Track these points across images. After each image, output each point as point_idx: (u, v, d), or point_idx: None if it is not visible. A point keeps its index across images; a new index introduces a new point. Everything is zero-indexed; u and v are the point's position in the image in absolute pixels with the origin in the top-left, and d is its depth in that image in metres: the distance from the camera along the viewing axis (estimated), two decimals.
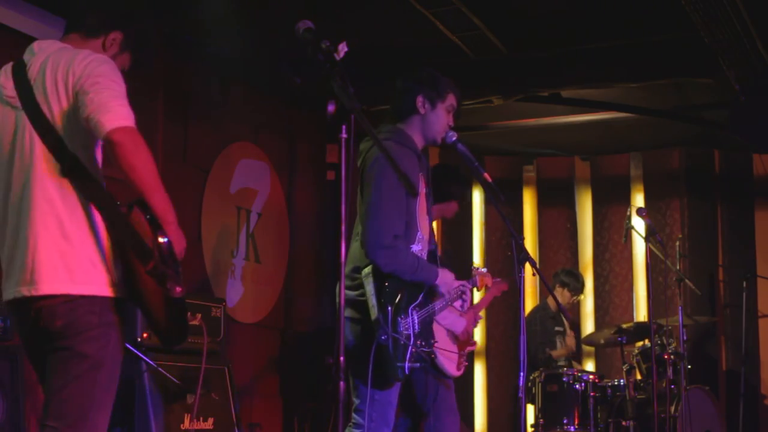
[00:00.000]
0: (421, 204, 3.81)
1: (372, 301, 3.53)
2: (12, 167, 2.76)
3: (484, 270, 4.86)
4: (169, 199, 2.70)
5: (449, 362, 4.73)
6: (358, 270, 3.66)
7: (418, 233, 3.76)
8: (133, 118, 2.69)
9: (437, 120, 3.85)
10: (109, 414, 2.76)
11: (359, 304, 3.61)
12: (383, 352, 3.48)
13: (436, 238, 8.75)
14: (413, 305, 3.67)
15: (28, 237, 2.70)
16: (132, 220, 2.68)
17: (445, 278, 3.84)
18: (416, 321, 3.66)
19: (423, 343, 3.68)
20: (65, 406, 2.68)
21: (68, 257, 2.68)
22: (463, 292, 4.15)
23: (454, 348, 4.83)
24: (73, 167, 2.70)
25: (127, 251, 2.71)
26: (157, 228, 2.65)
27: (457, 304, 4.13)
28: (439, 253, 4.32)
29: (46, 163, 2.71)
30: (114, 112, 2.65)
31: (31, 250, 2.69)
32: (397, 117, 3.90)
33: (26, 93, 2.76)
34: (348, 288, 3.68)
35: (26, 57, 2.84)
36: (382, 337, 3.46)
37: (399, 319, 3.59)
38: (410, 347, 3.60)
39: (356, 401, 3.60)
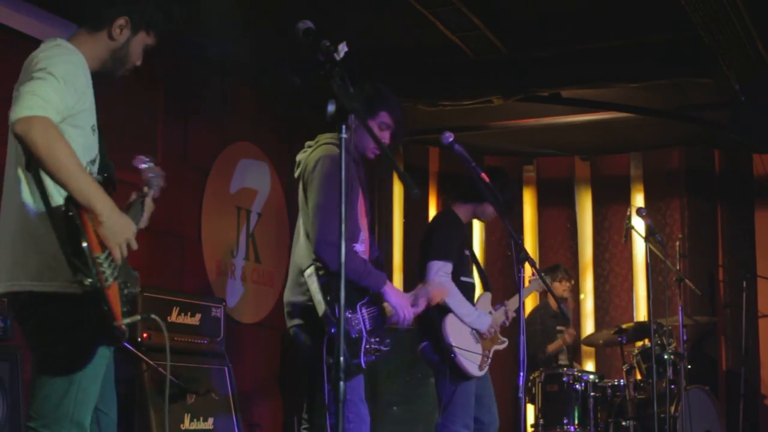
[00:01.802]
0: (361, 206, 3.84)
1: (318, 296, 3.57)
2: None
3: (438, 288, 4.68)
4: (90, 184, 2.59)
5: (470, 363, 4.74)
6: (299, 281, 3.72)
7: (361, 234, 3.80)
8: (43, 106, 2.54)
9: (364, 137, 3.85)
10: (90, 412, 2.75)
11: (308, 310, 3.65)
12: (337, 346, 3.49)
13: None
14: (361, 303, 3.71)
15: (2, 232, 2.73)
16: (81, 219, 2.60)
17: (396, 292, 3.82)
18: (366, 318, 3.69)
19: (377, 341, 3.70)
20: (42, 406, 2.68)
21: (32, 254, 2.67)
22: (416, 302, 4.11)
23: (478, 348, 4.85)
24: (29, 162, 2.66)
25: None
26: (74, 231, 2.57)
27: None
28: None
29: (17, 158, 2.71)
30: (19, 102, 2.54)
31: (2, 245, 2.72)
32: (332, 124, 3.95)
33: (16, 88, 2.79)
34: (299, 294, 3.72)
35: None
36: (332, 330, 3.48)
37: (347, 314, 3.62)
38: (363, 341, 3.63)
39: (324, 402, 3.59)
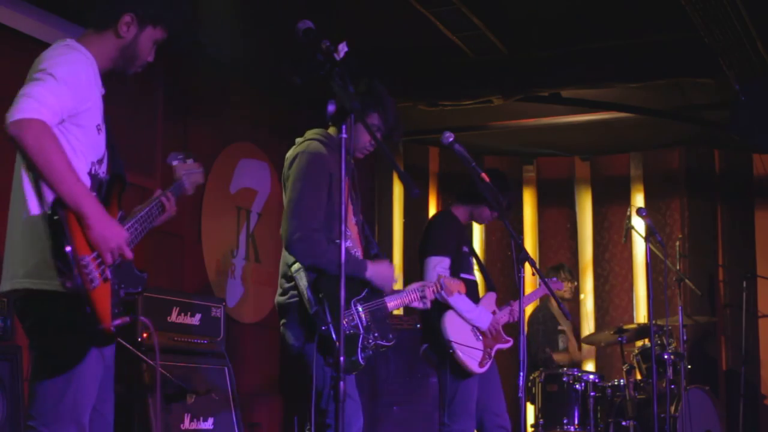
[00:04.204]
0: (347, 203, 3.77)
1: (307, 294, 3.50)
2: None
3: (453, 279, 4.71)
4: (79, 188, 2.60)
5: (470, 359, 4.75)
6: (286, 275, 3.65)
7: (346, 231, 3.69)
8: (41, 109, 2.56)
9: (356, 135, 3.73)
10: (88, 411, 2.75)
11: (291, 308, 3.60)
12: (328, 344, 3.42)
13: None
14: (355, 299, 3.63)
15: (6, 234, 2.74)
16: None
17: (379, 270, 3.73)
18: (361, 314, 3.63)
19: (378, 336, 3.64)
20: (39, 405, 2.69)
21: (30, 253, 2.68)
22: (423, 294, 4.06)
23: (478, 344, 4.85)
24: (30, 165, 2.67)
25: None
26: (57, 235, 2.58)
27: (418, 304, 4.04)
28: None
29: (22, 159, 2.71)
30: (16, 105, 2.56)
31: (5, 245, 2.73)
32: (329, 122, 3.88)
33: None
34: (281, 294, 3.68)
35: None
36: (323, 328, 3.41)
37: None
38: (360, 338, 3.57)
39: (316, 406, 3.52)
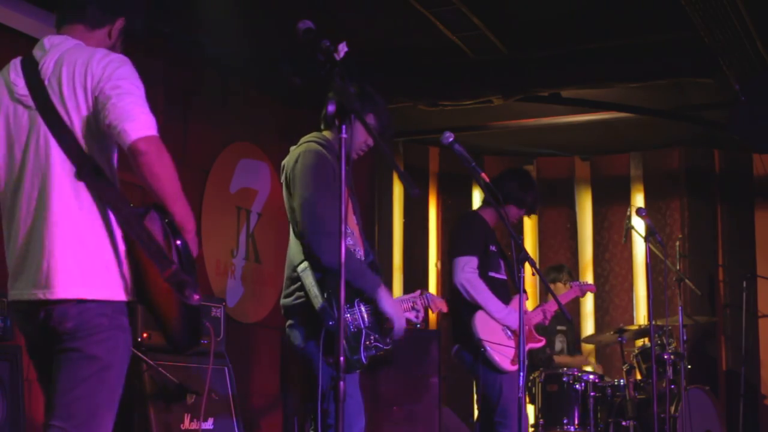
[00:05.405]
0: (347, 205, 3.76)
1: (314, 291, 3.49)
2: (24, 168, 2.71)
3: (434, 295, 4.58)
4: (189, 208, 2.69)
5: (501, 357, 4.77)
6: (291, 277, 3.64)
7: (347, 229, 3.68)
8: (156, 126, 2.64)
9: (350, 137, 3.78)
10: (114, 415, 2.75)
11: (296, 309, 3.60)
12: (335, 340, 3.38)
13: (436, 237, 8.76)
14: (359, 298, 3.62)
15: (44, 240, 2.65)
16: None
17: (391, 299, 3.70)
18: (365, 313, 3.62)
19: (377, 337, 3.63)
20: (74, 407, 2.66)
21: (83, 261, 2.65)
22: (415, 305, 4.04)
23: (510, 343, 4.86)
24: (89, 171, 2.65)
25: (139, 255, 2.68)
26: (175, 232, 2.64)
27: (410, 315, 4.03)
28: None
29: (63, 165, 2.67)
30: (138, 120, 2.60)
31: (47, 252, 2.65)
32: (324, 125, 3.89)
33: (40, 93, 2.70)
34: (288, 295, 3.67)
35: (36, 53, 2.76)
36: (330, 323, 3.40)
37: (344, 309, 3.52)
38: (363, 337, 3.57)
39: (321, 405, 3.51)
